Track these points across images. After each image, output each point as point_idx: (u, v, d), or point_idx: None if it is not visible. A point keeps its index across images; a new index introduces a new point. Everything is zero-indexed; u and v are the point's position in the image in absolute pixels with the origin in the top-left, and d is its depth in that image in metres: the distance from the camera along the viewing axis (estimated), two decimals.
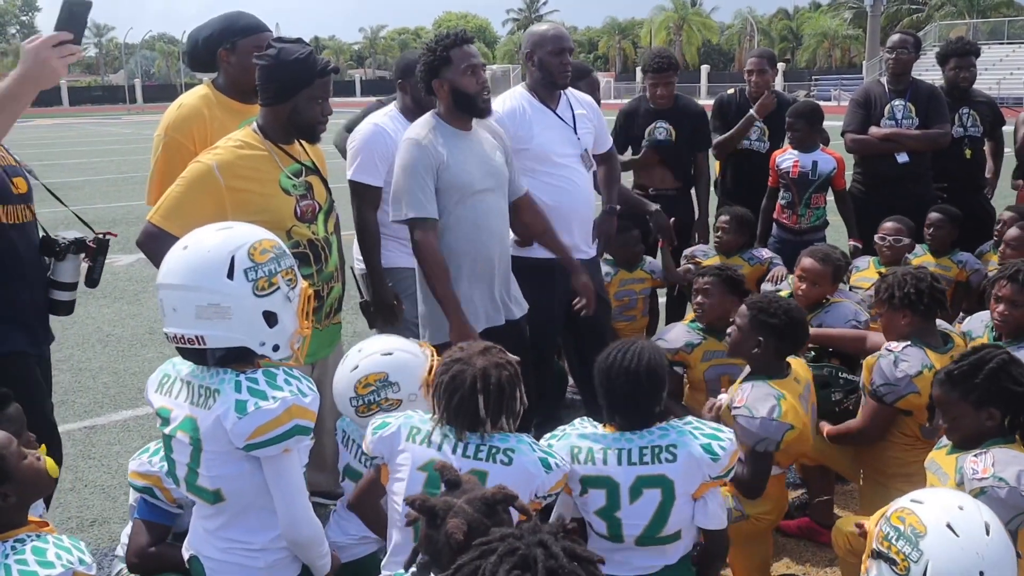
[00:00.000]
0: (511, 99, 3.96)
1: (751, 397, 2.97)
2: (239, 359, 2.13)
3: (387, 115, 3.84)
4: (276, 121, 3.07)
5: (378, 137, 3.73)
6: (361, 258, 3.84)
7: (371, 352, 2.88)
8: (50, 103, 59.35)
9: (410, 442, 2.38)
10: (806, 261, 3.96)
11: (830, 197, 5.30)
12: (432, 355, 2.91)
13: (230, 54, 3.45)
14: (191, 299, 2.07)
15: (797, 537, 3.64)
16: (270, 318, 2.12)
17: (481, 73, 3.36)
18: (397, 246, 3.76)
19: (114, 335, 6.89)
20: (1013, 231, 4.29)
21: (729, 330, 3.23)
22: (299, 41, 3.09)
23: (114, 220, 11.98)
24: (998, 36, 49.09)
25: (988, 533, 1.91)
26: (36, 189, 3.24)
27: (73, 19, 2.70)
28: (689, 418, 2.60)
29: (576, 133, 3.94)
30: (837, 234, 5.63)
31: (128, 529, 3.02)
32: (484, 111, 3.42)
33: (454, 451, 2.35)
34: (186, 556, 2.31)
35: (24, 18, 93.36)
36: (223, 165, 2.97)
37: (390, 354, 2.87)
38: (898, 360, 3.10)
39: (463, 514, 1.77)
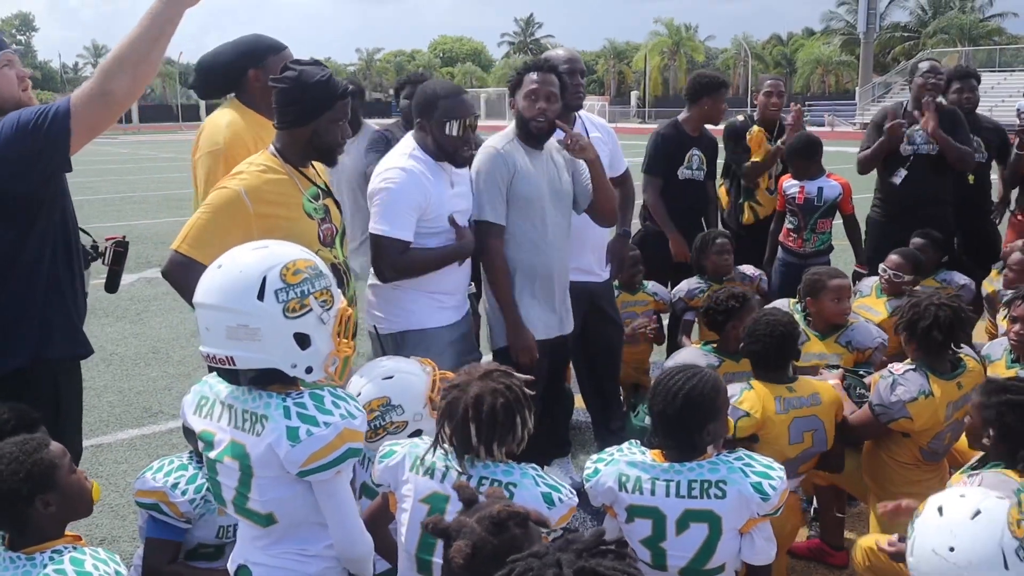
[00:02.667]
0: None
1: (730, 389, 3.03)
2: (274, 380, 2.13)
3: (410, 156, 3.41)
4: (295, 144, 3.06)
5: (413, 185, 3.33)
6: (382, 316, 3.52)
7: (372, 377, 2.88)
8: None
9: (414, 472, 2.35)
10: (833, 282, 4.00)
11: (837, 221, 5.36)
12: (434, 371, 2.91)
13: (260, 72, 3.41)
14: (222, 319, 2.06)
15: (807, 559, 3.65)
16: (302, 340, 2.09)
17: (542, 101, 3.55)
18: (428, 301, 3.46)
19: (118, 354, 6.88)
20: (1016, 256, 4.35)
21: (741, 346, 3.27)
22: (316, 63, 3.10)
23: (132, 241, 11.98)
24: (990, 64, 49.55)
25: (973, 518, 2.04)
26: None
27: None
28: (740, 452, 2.59)
29: None
30: (844, 258, 5.67)
31: (140, 552, 3.03)
32: (532, 136, 3.61)
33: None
34: (232, 568, 2.29)
35: (21, 38, 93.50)
36: (251, 190, 2.94)
37: (391, 377, 2.86)
38: (896, 383, 3.16)
39: (471, 535, 1.76)
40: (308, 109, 2.99)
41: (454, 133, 3.34)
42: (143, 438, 5.15)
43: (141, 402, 5.77)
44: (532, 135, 3.59)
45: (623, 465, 2.55)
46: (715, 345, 3.89)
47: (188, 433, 2.99)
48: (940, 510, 2.08)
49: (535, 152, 3.64)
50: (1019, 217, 5.60)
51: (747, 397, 3.11)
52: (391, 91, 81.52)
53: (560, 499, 2.30)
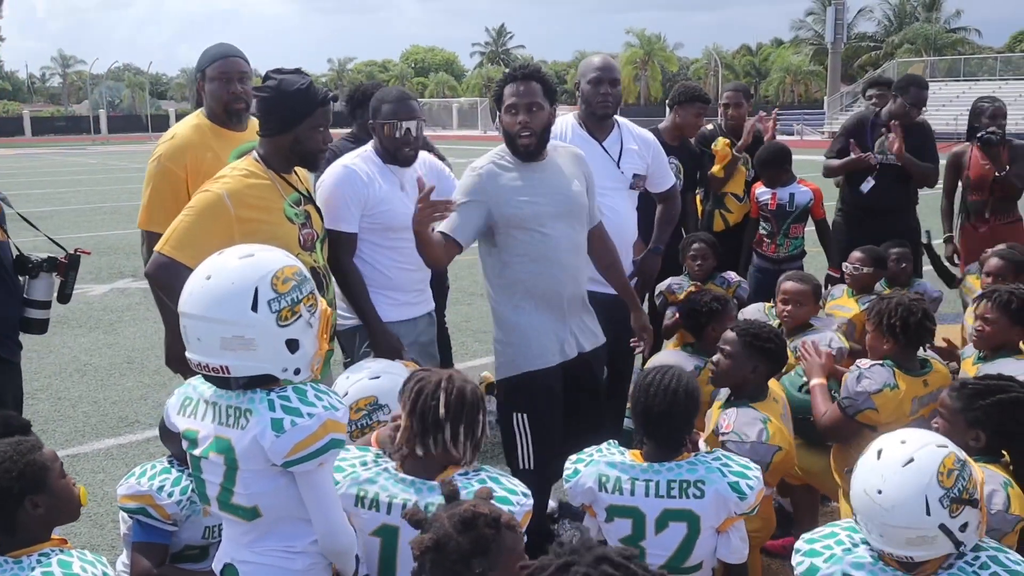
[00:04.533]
0: (557, 126, 3.95)
1: (738, 423, 3.06)
2: (264, 382, 2.17)
3: (359, 156, 3.61)
4: (278, 151, 3.13)
5: (347, 179, 3.51)
6: (341, 313, 3.60)
7: (359, 377, 2.93)
8: (12, 133, 58.78)
9: (359, 507, 2.34)
10: (787, 284, 4.09)
11: (810, 227, 5.46)
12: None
13: (203, 83, 3.58)
14: (216, 331, 2.09)
15: (782, 557, 3.71)
16: (292, 345, 2.14)
17: (521, 114, 3.30)
18: (380, 298, 3.57)
19: (92, 364, 6.84)
20: (994, 261, 4.43)
21: (715, 358, 3.29)
22: (298, 71, 3.16)
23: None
24: (955, 74, 50.42)
25: (905, 465, 2.09)
26: (8, 218, 3.32)
27: None
28: (718, 452, 2.65)
29: (619, 167, 4.01)
30: (817, 263, 5.77)
31: (124, 557, 3.03)
32: (519, 150, 3.35)
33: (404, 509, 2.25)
34: (217, 568, 2.32)
35: None
36: (233, 194, 3.02)
37: (377, 377, 2.93)
38: (862, 376, 3.23)
39: (438, 529, 1.79)
40: (289, 117, 3.07)
41: (395, 135, 3.51)
42: (120, 447, 5.13)
43: (117, 412, 5.74)
44: (516, 149, 3.35)
45: (603, 466, 2.60)
46: (694, 347, 3.95)
47: (165, 439, 3.02)
48: (879, 453, 2.14)
49: (532, 164, 3.37)
50: (969, 225, 5.73)
51: (775, 432, 3.09)
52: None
53: (519, 501, 2.30)
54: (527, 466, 3.50)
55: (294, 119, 3.06)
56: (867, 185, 5.54)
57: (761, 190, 5.43)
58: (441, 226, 3.25)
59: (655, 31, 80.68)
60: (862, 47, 66.88)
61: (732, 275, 5.13)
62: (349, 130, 4.71)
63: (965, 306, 5.00)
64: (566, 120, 4.09)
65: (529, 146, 3.33)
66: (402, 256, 3.58)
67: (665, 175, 4.37)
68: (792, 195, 5.34)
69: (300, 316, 2.14)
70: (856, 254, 4.79)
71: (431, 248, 3.18)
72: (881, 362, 3.26)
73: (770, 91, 68.20)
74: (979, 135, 5.46)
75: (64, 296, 3.39)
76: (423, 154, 3.81)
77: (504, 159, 3.39)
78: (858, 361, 3.33)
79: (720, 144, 5.62)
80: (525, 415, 3.46)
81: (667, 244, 5.13)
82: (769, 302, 4.91)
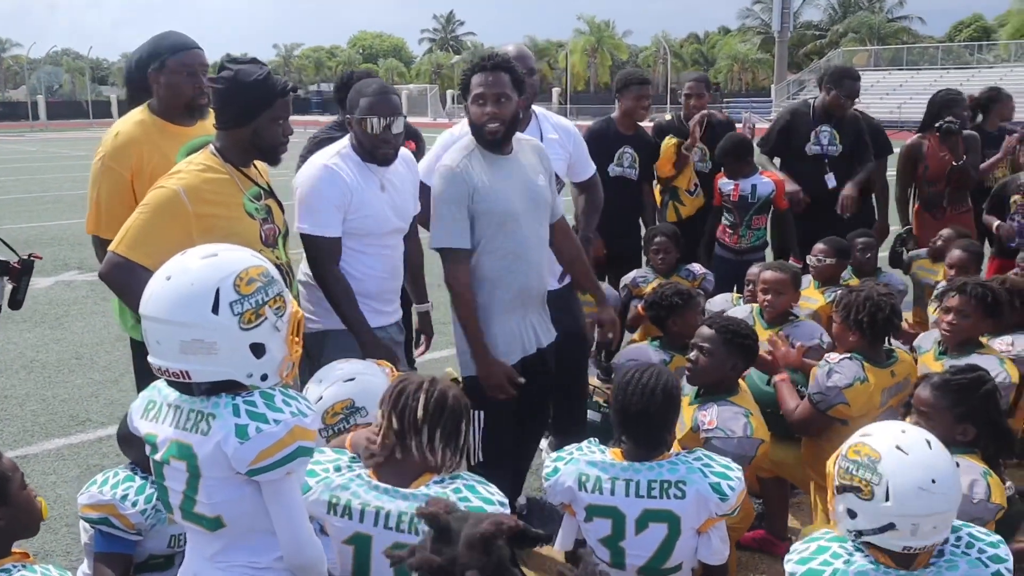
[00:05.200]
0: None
1: (721, 418, 3.04)
2: (228, 388, 2.07)
3: (338, 153, 3.37)
4: (236, 144, 3.00)
5: (330, 180, 3.29)
6: (309, 316, 3.37)
7: (333, 380, 2.81)
8: None
9: (331, 515, 2.27)
10: (766, 274, 4.08)
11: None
12: (392, 372, 2.88)
13: (159, 74, 3.35)
14: (175, 334, 1.99)
15: (752, 549, 3.71)
16: (257, 349, 2.04)
17: (489, 105, 3.26)
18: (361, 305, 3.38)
19: (39, 360, 6.62)
20: (957, 253, 4.49)
21: (692, 355, 3.26)
22: (255, 61, 3.03)
23: (27, 241, 11.54)
24: (898, 63, 51.35)
25: (931, 447, 2.10)
26: None
27: None
28: (699, 452, 2.62)
29: None
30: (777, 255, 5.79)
31: (85, 567, 2.92)
32: (487, 141, 3.31)
33: (386, 521, 2.21)
34: None
35: None
36: (189, 189, 2.89)
37: (352, 379, 2.80)
38: (832, 371, 3.24)
39: (475, 564, 1.61)
40: (246, 109, 2.94)
41: (373, 131, 3.27)
42: (71, 447, 4.97)
43: (67, 410, 5.56)
44: (488, 142, 3.32)
45: (583, 464, 2.56)
46: (661, 341, 3.93)
47: (124, 445, 2.90)
48: (900, 448, 2.09)
49: (500, 158, 3.34)
50: (917, 207, 5.81)
51: (757, 425, 3.09)
52: (310, 87, 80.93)
53: (494, 512, 2.19)
54: (477, 459, 3.47)
55: (252, 111, 2.94)
56: (831, 181, 5.57)
57: (723, 181, 5.44)
58: (456, 243, 3.24)
59: (605, 18, 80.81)
60: (808, 35, 67.82)
61: (697, 267, 5.14)
62: (335, 118, 4.55)
63: (918, 286, 5.06)
64: None
65: (496, 135, 3.28)
66: (378, 263, 3.44)
67: (586, 164, 4.27)
68: (754, 186, 5.35)
69: (265, 319, 2.04)
70: (819, 245, 4.80)
71: (467, 291, 3.29)
72: (849, 355, 3.27)
73: (718, 79, 68.84)
74: (938, 124, 5.52)
75: (16, 303, 3.22)
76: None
77: (474, 153, 3.32)
78: (827, 356, 3.33)
79: (666, 143, 5.59)
80: (482, 412, 3.41)
81: (622, 235, 5.12)
82: (735, 292, 4.92)
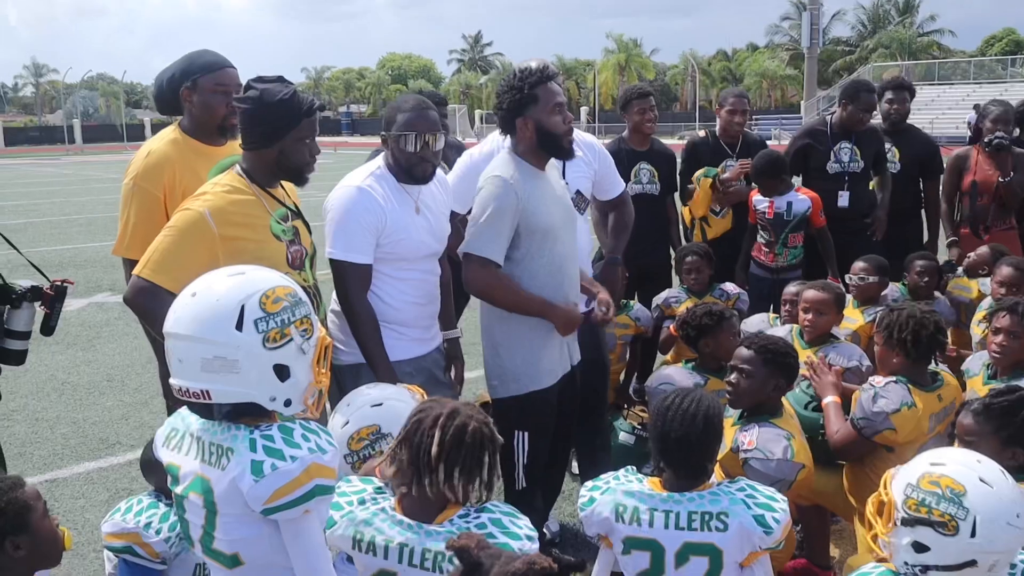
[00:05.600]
0: (490, 142, 3.88)
1: (761, 439, 2.94)
2: (250, 413, 2.01)
3: (372, 175, 3.25)
4: (262, 165, 2.94)
5: (364, 204, 3.16)
6: (341, 348, 3.30)
7: (360, 405, 2.75)
8: None
9: (356, 551, 2.19)
10: (808, 293, 3.97)
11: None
12: (423, 397, 2.80)
13: (192, 93, 3.34)
14: (197, 351, 1.94)
15: None
16: (281, 371, 1.98)
17: (567, 112, 3.26)
18: (388, 333, 3.24)
19: (70, 383, 6.64)
20: (1006, 270, 4.32)
21: (732, 378, 3.16)
22: (280, 80, 2.98)
23: (61, 263, 11.68)
24: (929, 77, 50.85)
25: (1007, 477, 2.03)
26: None
27: None
28: (742, 481, 2.51)
29: (564, 176, 3.79)
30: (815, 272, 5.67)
31: None
32: (569, 152, 3.31)
33: (410, 558, 2.10)
34: None
35: None
36: (215, 212, 2.84)
37: (380, 405, 2.74)
38: (878, 396, 3.12)
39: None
40: (272, 130, 2.87)
41: (410, 148, 3.16)
42: (100, 471, 4.95)
43: (97, 433, 5.55)
44: (564, 151, 3.27)
45: (620, 494, 2.46)
46: (695, 363, 3.84)
47: (147, 472, 2.86)
48: (984, 481, 2.01)
49: (539, 173, 3.28)
50: (964, 230, 5.66)
51: (799, 448, 2.98)
52: (340, 108, 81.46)
53: (521, 548, 2.12)
54: (521, 485, 3.42)
55: (278, 132, 2.87)
56: (843, 199, 5.47)
57: (758, 198, 5.34)
58: (495, 255, 3.14)
59: (632, 36, 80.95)
60: (837, 51, 67.45)
61: (731, 287, 5.03)
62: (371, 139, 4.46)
63: (953, 305, 4.91)
64: (497, 133, 3.74)
65: (572, 147, 3.29)
66: (414, 289, 3.32)
67: (614, 181, 4.19)
68: (790, 204, 5.24)
69: (291, 340, 1.98)
70: (859, 264, 4.67)
71: (513, 284, 3.21)
72: (895, 379, 3.16)
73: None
74: (988, 140, 5.39)
75: (48, 329, 3.20)
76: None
77: (520, 166, 3.23)
78: (871, 379, 3.22)
79: (703, 184, 5.48)
80: (526, 433, 3.35)
81: (650, 252, 5.02)
82: (771, 312, 4.81)
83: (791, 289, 4.50)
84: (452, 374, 3.60)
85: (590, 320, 3.56)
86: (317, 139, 2.99)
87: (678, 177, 5.64)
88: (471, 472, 2.10)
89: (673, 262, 5.04)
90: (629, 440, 4.64)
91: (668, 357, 4.84)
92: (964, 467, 2.04)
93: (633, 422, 4.76)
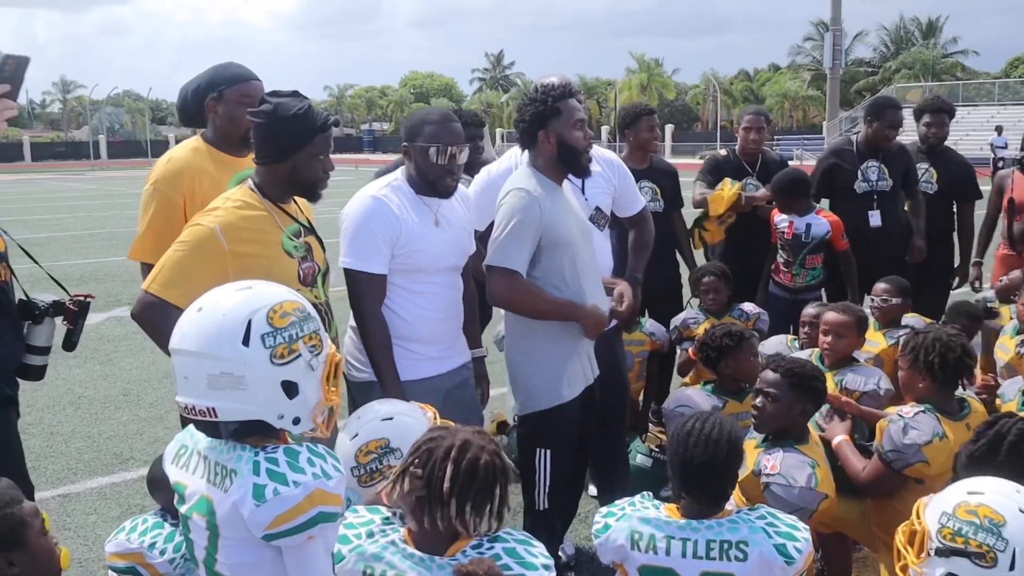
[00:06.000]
0: (508, 159, 3.87)
1: (785, 465, 2.87)
2: (257, 432, 1.97)
3: (388, 185, 3.23)
4: (275, 180, 2.90)
5: (379, 214, 3.15)
6: (358, 365, 3.28)
7: (371, 418, 2.71)
8: (12, 159, 58.83)
9: None
10: (829, 315, 3.90)
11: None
12: (435, 417, 2.76)
13: (217, 104, 3.32)
14: (203, 367, 1.90)
15: None
16: (290, 388, 1.94)
17: (588, 129, 3.28)
18: (403, 353, 3.19)
19: (86, 397, 6.64)
20: None
21: (758, 401, 3.09)
22: (295, 94, 2.94)
23: (82, 277, 11.74)
24: (953, 98, 50.43)
25: None
26: (10, 247, 3.14)
27: (13, 73, 2.57)
28: (762, 509, 2.43)
29: (584, 192, 3.77)
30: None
31: None
32: (586, 170, 3.33)
33: None
34: None
35: None
36: (226, 227, 2.80)
37: (390, 419, 2.69)
38: (908, 427, 3.01)
39: None
40: (286, 145, 2.83)
41: (437, 161, 3.13)
42: (113, 486, 4.92)
43: (111, 448, 5.54)
44: (582, 168, 3.28)
45: (635, 521, 2.39)
46: (714, 385, 3.77)
47: (154, 489, 2.82)
48: (1019, 491, 1.95)
49: (557, 189, 3.28)
50: (1003, 250, 5.55)
51: (823, 478, 2.90)
52: (362, 126, 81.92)
53: (545, 565, 2.04)
54: (542, 506, 3.37)
55: (291, 147, 2.83)
56: (874, 218, 5.39)
57: (779, 218, 5.27)
58: (519, 266, 3.13)
59: (654, 56, 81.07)
60: (859, 72, 67.20)
61: (750, 307, 4.96)
62: (394, 157, 4.45)
63: (984, 331, 4.80)
64: (516, 151, 3.81)
65: (589, 164, 3.30)
66: (431, 303, 3.24)
67: (634, 198, 4.16)
68: (809, 226, 5.17)
69: (299, 355, 1.94)
70: (882, 285, 4.58)
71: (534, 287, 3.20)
72: (922, 408, 3.06)
73: (769, 116, 68.43)
74: (1019, 157, 5.30)
75: (71, 344, 3.17)
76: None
77: (540, 180, 3.23)
78: (899, 409, 3.12)
79: (731, 190, 5.43)
80: (548, 451, 3.32)
81: (657, 270, 4.95)
82: (790, 334, 4.73)
83: (810, 311, 4.43)
84: (479, 393, 3.54)
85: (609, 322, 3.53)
86: (337, 156, 2.98)
87: (695, 185, 5.60)
88: (482, 505, 2.02)
89: (688, 281, 4.96)
90: (646, 463, 4.58)
91: (687, 380, 4.77)
92: (1003, 496, 1.96)
93: (651, 444, 4.69)
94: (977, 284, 5.73)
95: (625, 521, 2.40)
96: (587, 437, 3.56)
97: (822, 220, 5.18)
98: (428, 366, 3.25)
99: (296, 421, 1.96)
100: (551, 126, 3.20)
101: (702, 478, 2.37)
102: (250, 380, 1.89)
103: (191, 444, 2.07)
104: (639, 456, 4.60)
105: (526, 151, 3.37)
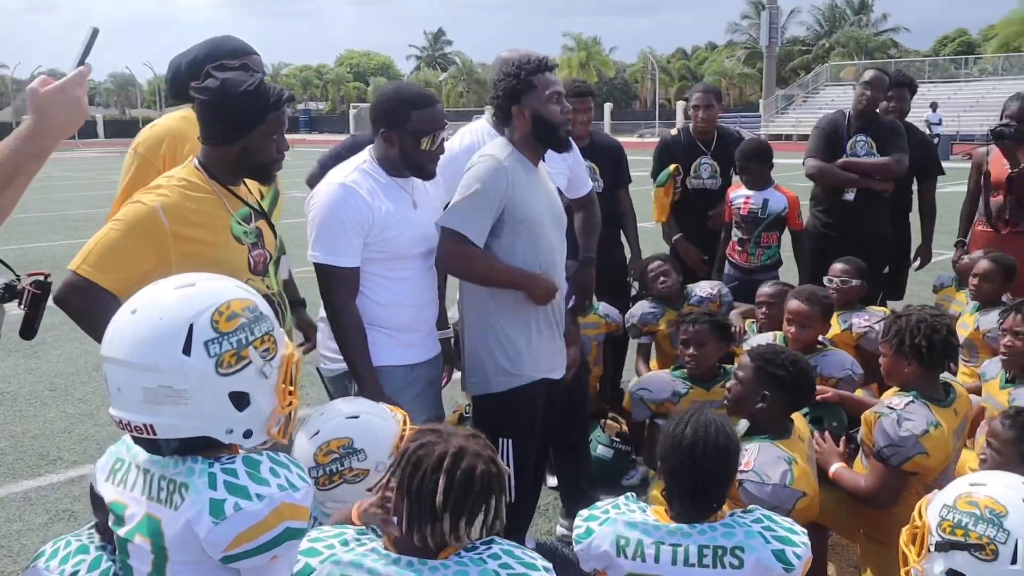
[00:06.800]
0: (470, 134, 3.69)
1: (759, 460, 2.70)
2: (205, 447, 1.73)
3: (357, 169, 3.02)
4: (223, 162, 2.63)
5: (348, 201, 2.93)
6: (332, 356, 3.13)
7: (334, 416, 2.52)
8: None
9: None
10: (792, 303, 3.77)
11: (786, 236, 5.17)
12: (405, 420, 2.55)
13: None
14: (138, 379, 1.66)
15: None
16: (239, 400, 1.71)
17: (564, 102, 3.16)
18: (382, 337, 3.04)
19: (9, 392, 6.24)
20: (984, 263, 4.28)
21: (728, 384, 2.96)
22: (244, 68, 2.66)
23: (26, 265, 11.15)
24: None
25: None
26: None
27: (88, 50, 2.28)
28: (757, 511, 2.25)
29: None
30: (792, 274, 5.48)
31: None
32: (564, 143, 3.20)
33: None
34: None
35: None
36: (169, 208, 2.52)
37: (356, 417, 2.50)
38: (902, 419, 2.85)
39: None
40: (234, 126, 2.56)
41: (427, 148, 2.98)
42: (39, 490, 4.58)
43: (37, 447, 5.18)
44: (560, 141, 3.18)
45: (621, 526, 2.20)
46: (686, 370, 3.60)
47: (96, 506, 2.53)
48: None
49: (532, 168, 3.17)
50: (980, 227, 5.48)
51: (800, 475, 2.74)
52: (298, 107, 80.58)
53: (545, 567, 1.89)
54: (510, 499, 3.18)
55: (241, 128, 2.56)
56: (851, 193, 5.29)
57: (735, 194, 5.13)
58: (473, 234, 2.99)
59: (592, 34, 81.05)
60: (795, 50, 68.08)
61: (705, 288, 4.80)
62: (343, 137, 4.18)
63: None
64: (478, 125, 3.73)
65: (568, 138, 3.22)
66: (410, 289, 3.06)
67: (584, 180, 4.07)
68: (766, 201, 5.04)
69: (249, 363, 1.71)
70: (839, 266, 4.45)
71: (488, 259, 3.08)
72: (910, 398, 2.92)
73: None
74: (991, 129, 5.22)
75: (32, 332, 2.85)
76: None
77: (514, 154, 3.11)
78: (888, 401, 2.97)
79: (656, 192, 5.32)
80: (510, 441, 3.17)
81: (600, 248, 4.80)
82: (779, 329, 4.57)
83: (767, 290, 4.30)
84: (445, 379, 3.37)
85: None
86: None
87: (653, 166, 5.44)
88: (473, 519, 1.81)
89: (634, 276, 4.79)
90: (607, 454, 4.43)
91: (654, 363, 4.62)
92: (1007, 488, 1.85)
93: (611, 433, 4.53)
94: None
95: (610, 526, 2.21)
96: (550, 426, 3.43)
97: (780, 195, 5.06)
98: (411, 352, 3.10)
99: (248, 434, 1.74)
100: (525, 101, 3.10)
101: (712, 489, 2.22)
102: (193, 393, 1.66)
103: (128, 457, 1.82)
104: (599, 447, 4.44)
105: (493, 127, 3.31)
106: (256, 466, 1.70)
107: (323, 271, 2.93)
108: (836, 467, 3.08)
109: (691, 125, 5.55)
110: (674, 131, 5.71)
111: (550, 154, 3.64)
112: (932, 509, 1.92)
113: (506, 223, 3.05)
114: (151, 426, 1.67)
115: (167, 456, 1.74)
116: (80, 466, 4.85)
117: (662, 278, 4.65)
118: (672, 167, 5.27)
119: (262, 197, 2.96)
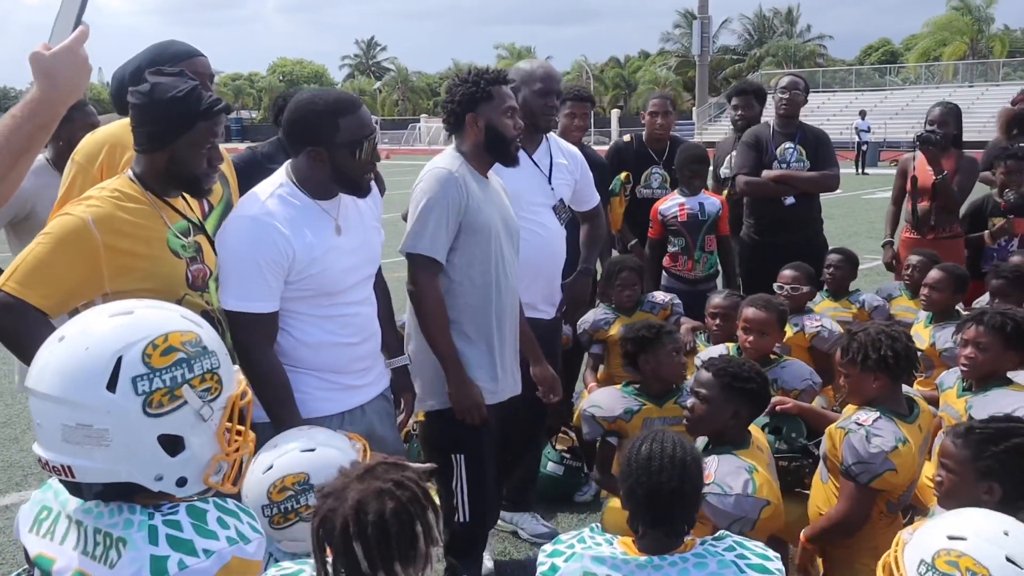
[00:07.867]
0: None
1: (720, 472, 2.65)
2: (134, 492, 1.58)
3: (272, 195, 2.65)
4: (153, 171, 2.51)
5: (261, 239, 2.57)
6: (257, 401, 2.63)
7: (288, 448, 2.30)
8: None
9: None
10: (748, 311, 3.74)
11: None
12: (365, 449, 2.39)
13: None
14: (56, 415, 1.51)
15: None
16: (172, 444, 1.56)
17: (518, 119, 3.12)
18: (312, 381, 2.71)
19: None
20: (935, 273, 4.30)
21: (689, 403, 2.88)
22: (181, 74, 2.53)
23: None
24: (814, 85, 52.29)
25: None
26: None
27: (82, 11, 2.19)
28: (729, 539, 2.16)
29: (550, 182, 3.70)
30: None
31: None
32: (514, 158, 3.15)
33: None
34: None
35: None
36: (100, 220, 2.39)
37: (312, 450, 2.28)
38: (871, 435, 2.80)
39: None
40: (163, 131, 2.45)
41: (362, 157, 2.63)
42: None
43: None
44: (510, 156, 3.14)
45: (588, 561, 2.09)
46: (637, 387, 3.52)
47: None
48: (1013, 561, 1.73)
49: (484, 181, 3.15)
50: (907, 233, 5.55)
51: (762, 483, 2.69)
52: (229, 116, 78.87)
53: None
54: (463, 517, 3.17)
55: (167, 135, 2.44)
56: (789, 199, 5.30)
57: (666, 204, 5.11)
58: (436, 253, 2.99)
59: (525, 44, 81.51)
60: (726, 60, 69.20)
61: (660, 296, 4.77)
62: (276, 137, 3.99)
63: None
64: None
65: (517, 155, 3.20)
66: (342, 327, 2.73)
67: (591, 193, 4.09)
68: (702, 204, 5.08)
69: (183, 403, 1.55)
70: (789, 272, 4.47)
71: (440, 304, 3.07)
72: (877, 413, 2.88)
73: (639, 103, 69.62)
74: (919, 133, 5.30)
75: None
76: None
77: (464, 164, 3.09)
78: (854, 417, 2.91)
79: (613, 202, 5.22)
80: (463, 456, 3.13)
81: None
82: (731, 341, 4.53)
83: (719, 301, 4.27)
84: (403, 415, 3.16)
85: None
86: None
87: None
88: (411, 554, 1.62)
89: (603, 274, 4.73)
90: (558, 471, 4.35)
91: (599, 375, 4.54)
92: (987, 543, 1.75)
93: (561, 448, 4.45)
94: (893, 264, 5.68)
95: (576, 561, 2.11)
96: (508, 442, 3.42)
97: (712, 199, 5.17)
98: (345, 396, 2.79)
99: (182, 482, 1.59)
100: (481, 110, 3.08)
101: (673, 508, 2.11)
102: (115, 435, 1.51)
103: (56, 505, 1.66)
104: (549, 464, 4.36)
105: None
106: (202, 516, 1.56)
107: (237, 319, 2.58)
108: (805, 530, 3.02)
109: (644, 132, 5.53)
110: (627, 137, 5.70)
111: (558, 165, 3.79)
112: (909, 557, 1.82)
113: (462, 235, 3.03)
114: (69, 468, 1.52)
115: (89, 501, 1.59)
116: (4, 495, 4.60)
117: (627, 291, 4.57)
118: (623, 175, 5.22)
119: (211, 209, 2.82)
